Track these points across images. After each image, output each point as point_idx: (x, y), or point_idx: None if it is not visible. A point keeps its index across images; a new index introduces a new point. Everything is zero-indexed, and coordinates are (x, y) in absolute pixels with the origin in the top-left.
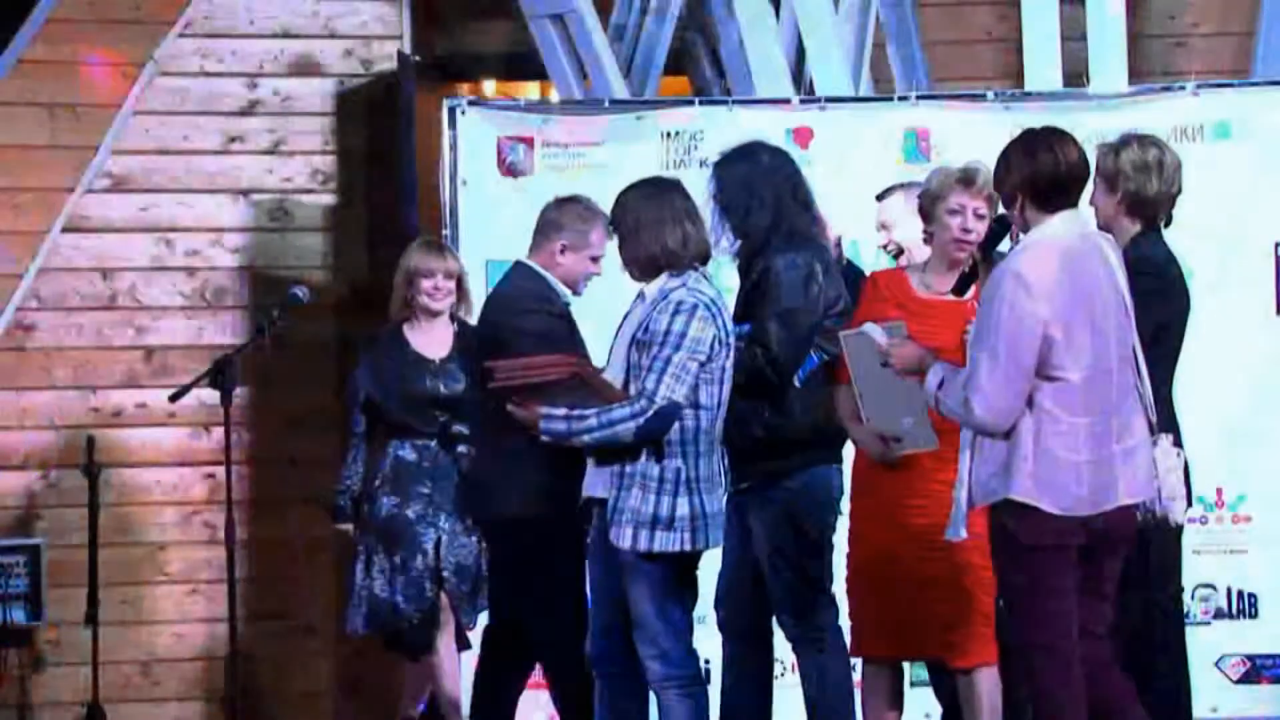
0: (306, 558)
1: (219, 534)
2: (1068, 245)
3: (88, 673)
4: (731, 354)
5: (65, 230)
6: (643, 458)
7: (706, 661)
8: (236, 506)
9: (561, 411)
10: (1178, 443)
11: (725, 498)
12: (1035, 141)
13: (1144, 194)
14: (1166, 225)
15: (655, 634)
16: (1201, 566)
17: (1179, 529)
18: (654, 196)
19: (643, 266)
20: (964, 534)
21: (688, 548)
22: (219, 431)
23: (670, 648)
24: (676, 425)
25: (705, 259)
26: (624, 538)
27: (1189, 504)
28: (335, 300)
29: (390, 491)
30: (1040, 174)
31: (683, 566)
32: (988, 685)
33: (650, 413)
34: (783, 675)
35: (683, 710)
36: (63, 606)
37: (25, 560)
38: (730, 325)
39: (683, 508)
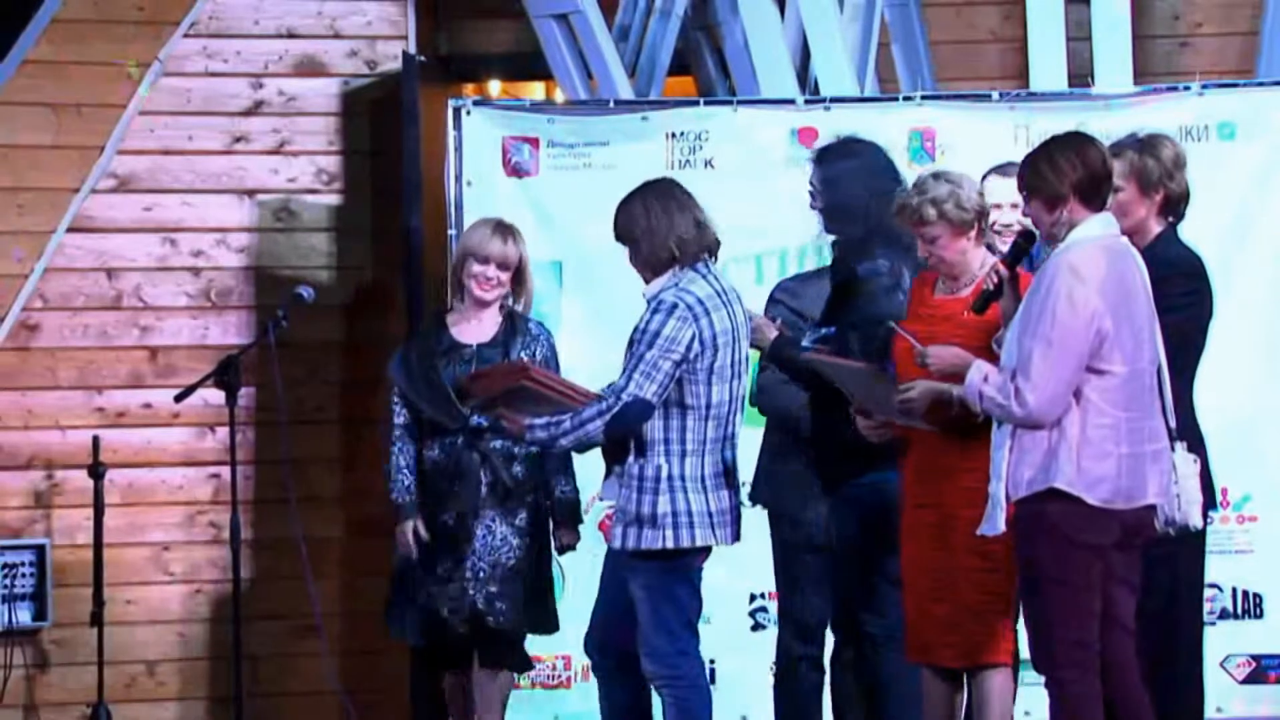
0: (311, 558)
1: (224, 534)
2: (1108, 244)
3: (93, 673)
4: (724, 354)
5: (70, 230)
6: (631, 457)
7: (712, 662)
8: (241, 507)
9: (543, 420)
10: (1199, 445)
11: (727, 496)
12: (1077, 142)
13: (1184, 191)
14: (1180, 220)
15: (646, 632)
16: (1207, 567)
17: (1202, 532)
18: (657, 194)
19: (655, 265)
20: (1002, 528)
21: (670, 545)
22: (224, 431)
23: (659, 645)
24: (659, 424)
25: (714, 249)
26: (615, 536)
27: (1213, 505)
28: (340, 300)
29: (425, 494)
30: (1094, 172)
31: (675, 565)
32: (990, 688)
33: (616, 409)
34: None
35: (672, 709)
36: (68, 606)
37: (30, 560)
38: (726, 324)
39: (664, 505)
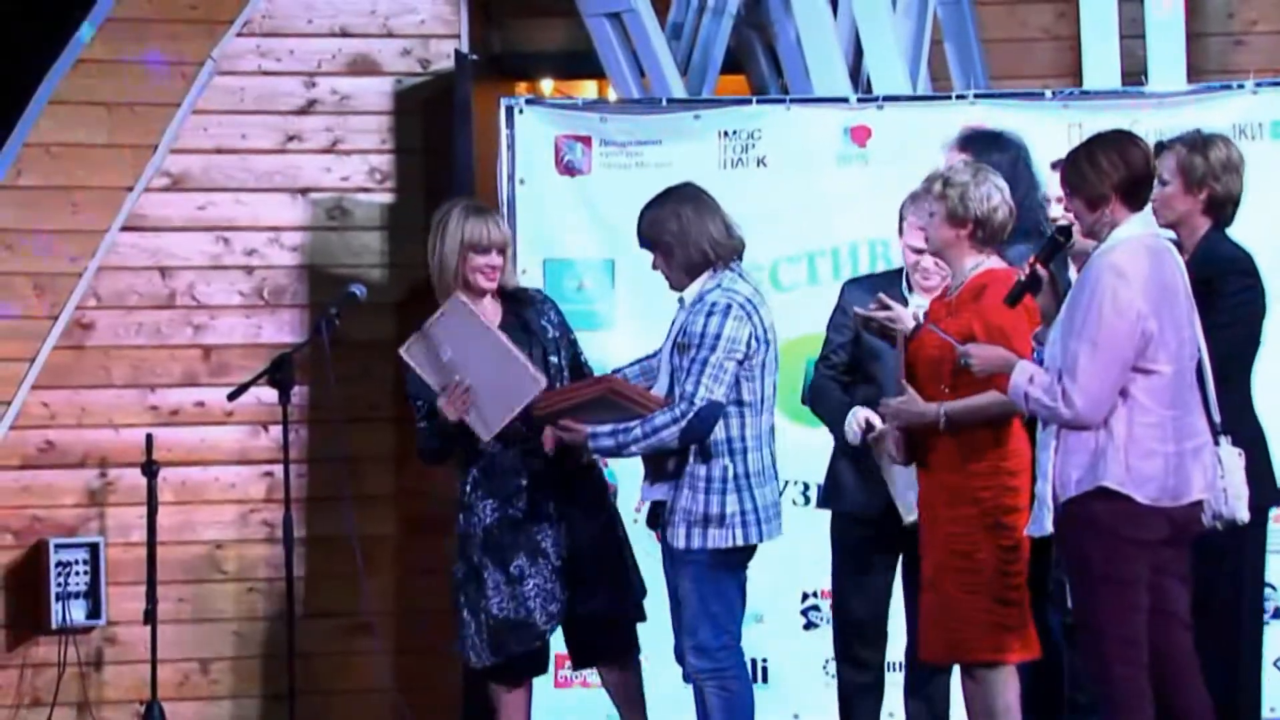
0: (364, 556)
1: (277, 532)
2: (1149, 243)
3: (146, 670)
4: (772, 349)
5: (124, 229)
6: (691, 459)
7: (764, 660)
8: (294, 505)
9: (608, 428)
10: (1259, 442)
11: (777, 489)
12: (1120, 142)
13: (1232, 193)
14: (1229, 224)
15: (695, 626)
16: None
17: (1264, 528)
18: (685, 198)
19: (690, 269)
20: (1049, 528)
21: (739, 543)
22: (277, 430)
23: (707, 640)
24: (721, 424)
25: (741, 252)
26: (678, 537)
27: (1277, 502)
28: (393, 298)
29: (486, 495)
30: (1136, 173)
31: (731, 563)
32: (986, 689)
33: (691, 415)
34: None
35: (717, 704)
36: (121, 604)
37: (84, 558)
38: (770, 319)
39: (732, 505)
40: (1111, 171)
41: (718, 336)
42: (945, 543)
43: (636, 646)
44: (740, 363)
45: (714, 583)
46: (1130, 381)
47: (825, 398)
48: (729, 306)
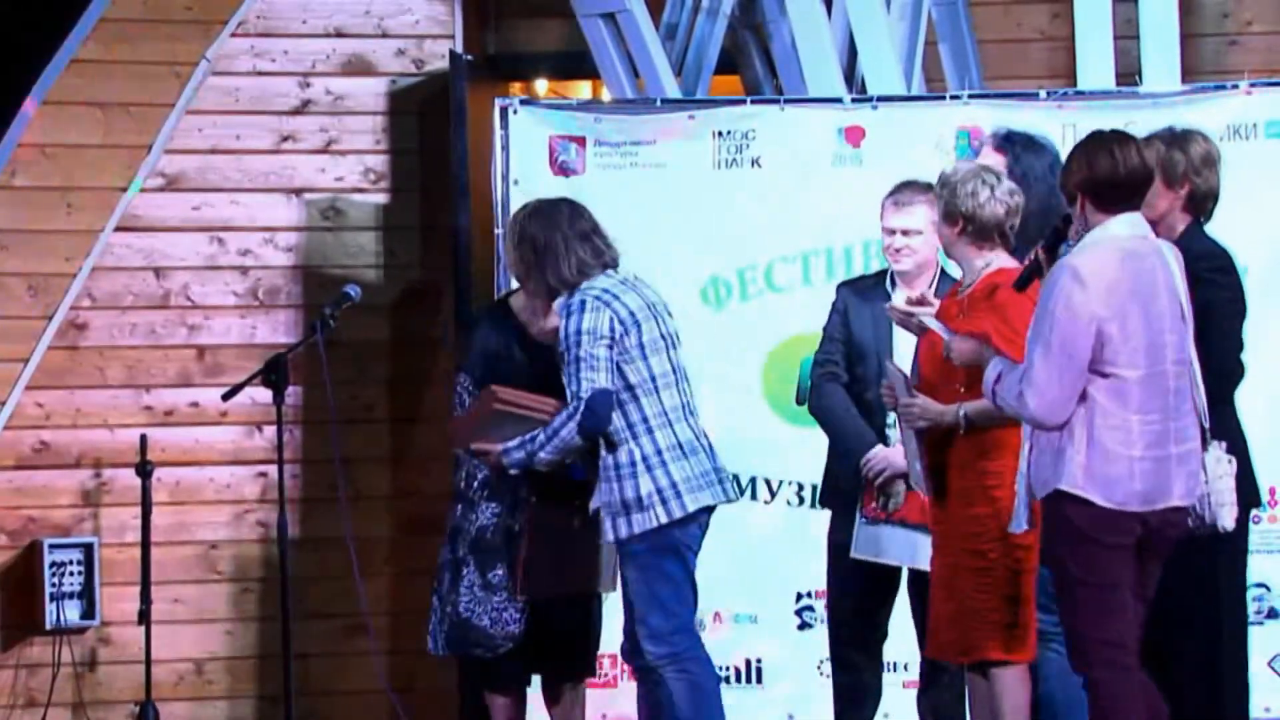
0: (359, 557)
1: (271, 532)
2: (1127, 246)
3: (140, 671)
4: (649, 328)
5: (118, 229)
6: (601, 452)
7: (758, 660)
8: (289, 505)
9: (515, 441)
10: (1238, 444)
11: (705, 459)
12: (1097, 144)
13: (1212, 188)
14: (1208, 220)
15: (645, 614)
16: (1255, 566)
17: (1244, 531)
18: (546, 225)
19: (548, 293)
20: (1025, 525)
21: (663, 520)
22: (271, 430)
23: (659, 625)
24: (617, 414)
25: (614, 266)
26: (608, 530)
27: (1258, 504)
28: (388, 299)
29: (490, 497)
30: (1098, 176)
31: (665, 542)
32: (998, 687)
33: (582, 408)
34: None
35: (681, 690)
36: (116, 605)
37: (79, 559)
38: (639, 302)
39: (645, 485)
40: (1075, 171)
41: (578, 332)
42: (960, 542)
43: (589, 670)
44: (611, 347)
45: (656, 568)
46: (1090, 384)
47: (828, 399)
48: (582, 302)
